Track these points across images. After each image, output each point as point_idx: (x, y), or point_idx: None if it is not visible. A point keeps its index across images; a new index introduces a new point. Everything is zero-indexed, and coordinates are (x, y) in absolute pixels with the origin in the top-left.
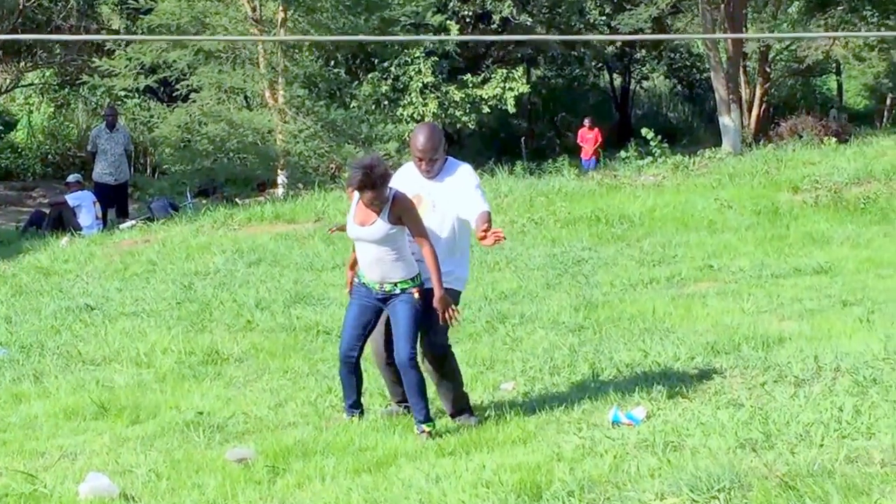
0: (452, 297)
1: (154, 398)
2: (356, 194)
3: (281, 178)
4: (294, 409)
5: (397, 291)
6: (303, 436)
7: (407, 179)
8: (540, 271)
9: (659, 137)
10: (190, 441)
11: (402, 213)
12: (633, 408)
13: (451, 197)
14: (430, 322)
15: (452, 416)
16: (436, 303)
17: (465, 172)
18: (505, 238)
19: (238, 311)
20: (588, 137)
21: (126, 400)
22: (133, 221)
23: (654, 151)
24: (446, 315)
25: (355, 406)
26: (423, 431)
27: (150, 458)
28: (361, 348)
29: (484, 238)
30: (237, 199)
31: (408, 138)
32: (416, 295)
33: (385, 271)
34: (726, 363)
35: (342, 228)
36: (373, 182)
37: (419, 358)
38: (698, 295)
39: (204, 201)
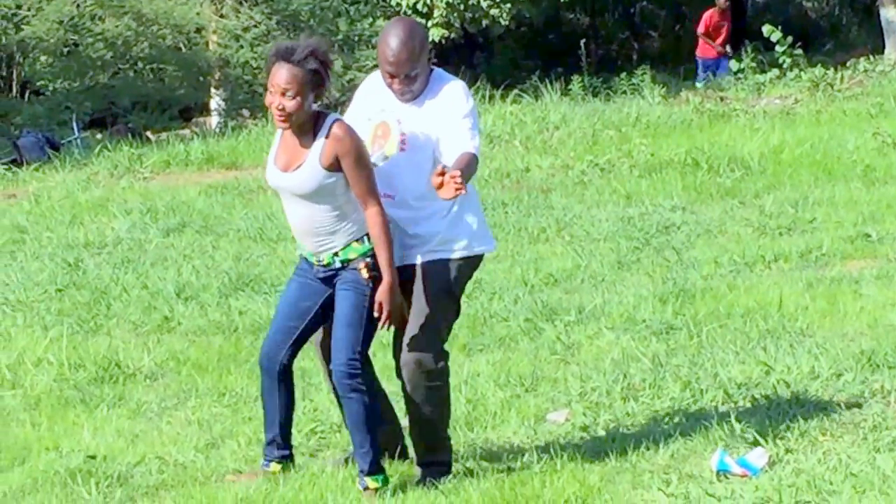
0: (447, 271)
1: (22, 434)
2: (278, 132)
3: (216, 102)
4: (235, 451)
5: (337, 265)
6: (248, 493)
7: (371, 98)
8: (608, 243)
9: (789, 39)
10: (76, 501)
11: (340, 152)
12: (749, 450)
13: (432, 131)
14: (412, 314)
15: (419, 465)
16: (379, 294)
17: (452, 93)
18: (464, 188)
19: (150, 302)
20: (721, 25)
21: None
22: None
23: (781, 60)
24: (385, 317)
25: (277, 445)
26: (367, 489)
27: None
28: (295, 349)
29: (440, 187)
30: (149, 134)
31: None
32: (364, 272)
33: (321, 238)
34: (890, 383)
35: None
36: (292, 56)
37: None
38: (848, 279)
39: (98, 136)
